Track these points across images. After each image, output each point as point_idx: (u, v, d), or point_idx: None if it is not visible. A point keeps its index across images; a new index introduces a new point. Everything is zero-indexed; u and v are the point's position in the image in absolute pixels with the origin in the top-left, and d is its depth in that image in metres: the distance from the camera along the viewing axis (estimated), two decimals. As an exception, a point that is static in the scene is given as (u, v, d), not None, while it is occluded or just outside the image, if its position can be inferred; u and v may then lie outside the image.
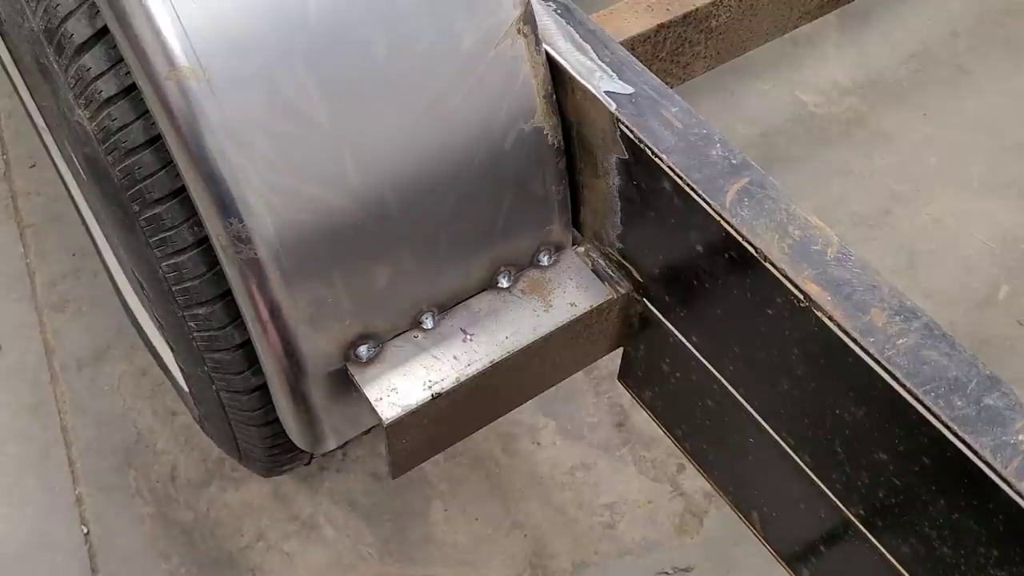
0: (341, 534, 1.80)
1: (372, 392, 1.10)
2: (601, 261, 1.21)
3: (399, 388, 1.10)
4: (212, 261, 1.07)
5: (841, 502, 0.99)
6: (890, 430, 0.88)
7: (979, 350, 1.89)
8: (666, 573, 1.79)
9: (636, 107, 1.06)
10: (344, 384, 1.12)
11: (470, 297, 1.17)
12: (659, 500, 1.87)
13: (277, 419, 1.21)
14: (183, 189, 1.03)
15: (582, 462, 1.91)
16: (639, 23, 1.45)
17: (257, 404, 1.22)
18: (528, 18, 1.05)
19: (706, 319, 1.08)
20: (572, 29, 1.14)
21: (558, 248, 1.20)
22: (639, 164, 1.05)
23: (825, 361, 0.92)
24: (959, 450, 0.81)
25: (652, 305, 1.17)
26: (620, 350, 1.29)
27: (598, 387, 2.00)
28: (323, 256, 1.02)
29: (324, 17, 0.95)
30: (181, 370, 1.49)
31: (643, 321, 1.20)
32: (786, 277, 0.92)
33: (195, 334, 1.16)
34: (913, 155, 2.45)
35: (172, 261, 1.09)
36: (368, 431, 1.24)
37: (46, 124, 1.89)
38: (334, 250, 1.02)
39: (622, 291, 1.18)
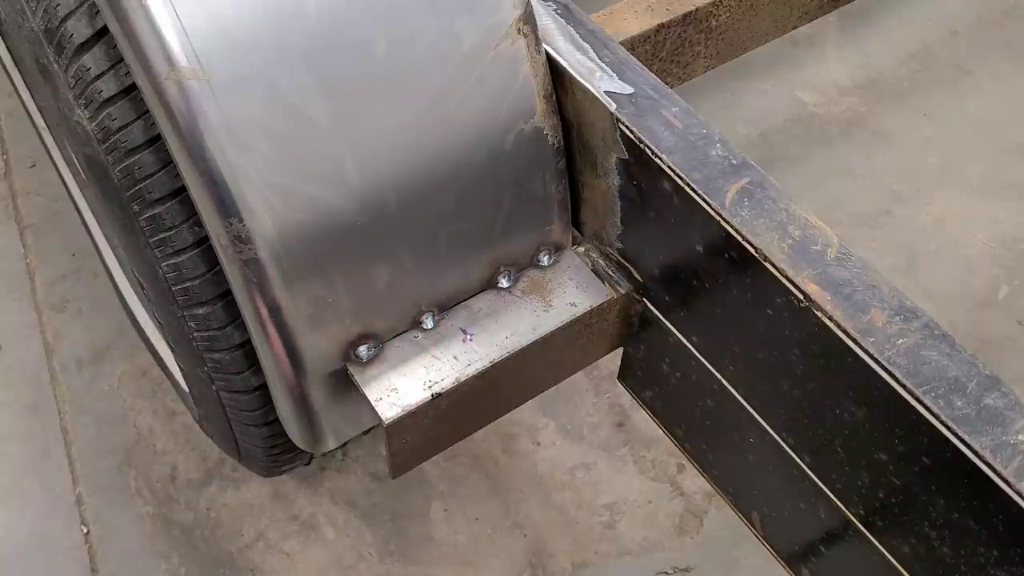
0: (341, 534, 1.80)
1: (372, 392, 1.10)
2: (601, 261, 1.21)
3: (399, 388, 1.10)
4: (212, 261, 1.07)
5: (841, 502, 0.99)
6: (890, 430, 0.88)
7: (979, 350, 1.88)
8: (666, 573, 1.79)
9: (636, 107, 1.06)
10: (344, 384, 1.12)
11: (470, 297, 1.17)
12: (659, 500, 1.86)
13: (277, 419, 1.21)
14: (183, 189, 1.03)
15: (582, 462, 1.91)
16: (639, 23, 1.45)
17: (257, 404, 1.22)
18: (528, 18, 1.05)
19: (706, 319, 1.08)
20: (572, 29, 1.14)
21: (558, 248, 1.20)
22: (639, 164, 1.05)
23: (825, 361, 0.92)
24: (959, 450, 0.81)
25: (652, 305, 1.17)
26: (620, 350, 1.29)
27: (598, 387, 2.00)
28: (323, 256, 1.02)
29: (324, 17, 0.95)
30: (181, 370, 1.49)
31: (643, 321, 1.20)
32: (786, 277, 0.92)
33: (195, 334, 1.16)
34: (913, 155, 2.45)
35: (172, 261, 1.09)
36: (368, 431, 1.24)
37: (46, 124, 1.89)
38: (334, 250, 1.02)
39: (622, 291, 1.18)
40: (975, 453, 0.80)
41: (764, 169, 1.01)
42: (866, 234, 2.28)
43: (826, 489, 1.00)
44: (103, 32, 1.01)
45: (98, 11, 1.00)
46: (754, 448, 1.09)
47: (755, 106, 2.54)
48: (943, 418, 0.82)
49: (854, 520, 0.98)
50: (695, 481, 1.88)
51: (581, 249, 1.22)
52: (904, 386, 0.84)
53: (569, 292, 1.18)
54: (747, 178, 1.00)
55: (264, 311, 1.02)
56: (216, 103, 0.92)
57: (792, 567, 1.14)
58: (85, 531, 1.79)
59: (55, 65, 1.07)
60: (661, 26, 1.46)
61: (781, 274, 0.92)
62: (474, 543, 1.80)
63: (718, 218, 0.97)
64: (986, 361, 0.86)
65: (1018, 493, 0.78)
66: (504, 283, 1.17)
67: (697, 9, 1.49)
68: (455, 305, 1.16)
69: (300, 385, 1.10)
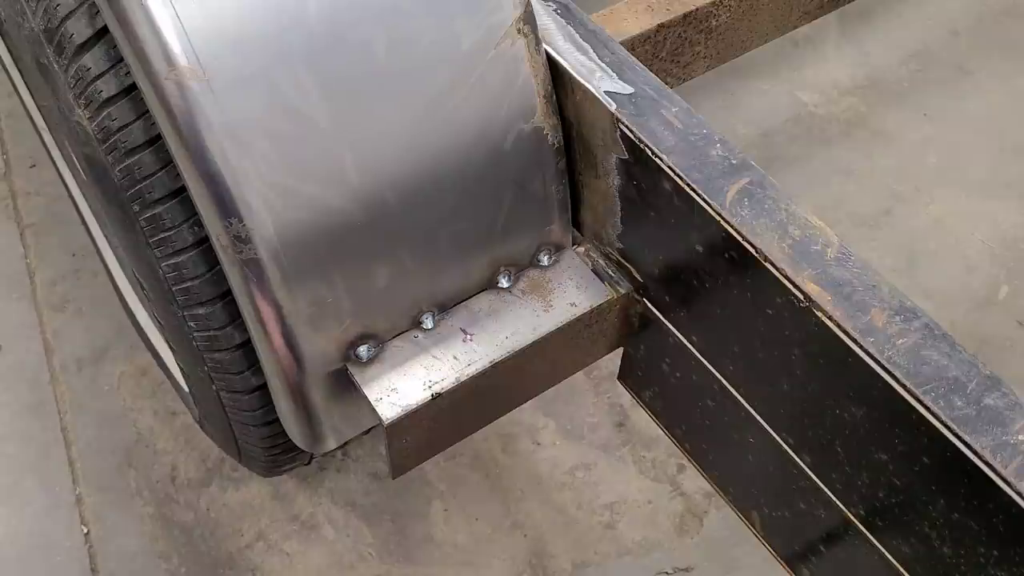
0: (341, 534, 1.80)
1: (372, 392, 1.10)
2: (601, 261, 1.21)
3: (399, 388, 1.10)
4: (212, 261, 1.07)
5: (841, 502, 0.99)
6: (890, 430, 0.88)
7: (979, 350, 1.88)
8: (666, 573, 1.79)
9: (636, 107, 1.06)
10: (344, 384, 1.12)
11: (470, 297, 1.17)
12: (659, 500, 1.86)
13: (277, 419, 1.21)
14: (183, 189, 1.03)
15: (582, 462, 1.91)
16: (639, 23, 1.45)
17: (257, 404, 1.22)
18: (528, 18, 1.05)
19: (706, 319, 1.08)
20: (572, 29, 1.14)
21: (558, 248, 1.20)
22: (639, 164, 1.05)
23: (825, 361, 0.92)
24: (959, 450, 0.81)
25: (652, 305, 1.17)
26: (620, 350, 1.29)
27: (598, 387, 2.00)
28: (323, 256, 1.02)
29: (324, 17, 0.95)
30: (181, 370, 1.49)
31: (643, 321, 1.20)
32: (786, 277, 0.92)
33: (195, 334, 1.16)
34: (913, 155, 2.45)
35: (172, 261, 1.09)
36: (368, 431, 1.24)
37: (46, 124, 1.89)
38: (334, 250, 1.02)
39: (622, 291, 1.18)
40: (975, 453, 0.80)
41: (764, 169, 1.01)
42: (866, 234, 2.28)
43: (826, 489, 1.00)
44: (103, 32, 1.01)
45: (98, 11, 1.00)
46: (754, 448, 1.09)
47: (755, 106, 2.54)
48: (943, 418, 0.82)
49: (854, 520, 0.98)
50: (695, 481, 1.88)
51: (581, 249, 1.22)
52: (904, 386, 0.84)
53: (569, 292, 1.18)
54: (747, 178, 1.00)
55: (264, 311, 1.02)
56: (216, 103, 0.92)
57: (792, 567, 1.14)
58: (85, 531, 1.79)
59: (55, 65, 1.07)
60: (661, 26, 1.46)
61: (781, 274, 0.92)
62: (474, 543, 1.80)
63: (718, 218, 0.97)
64: (986, 361, 0.86)
65: (1018, 493, 0.78)
66: (504, 283, 1.17)
67: (697, 9, 1.49)
68: (455, 305, 1.16)
69: (300, 385, 1.10)
